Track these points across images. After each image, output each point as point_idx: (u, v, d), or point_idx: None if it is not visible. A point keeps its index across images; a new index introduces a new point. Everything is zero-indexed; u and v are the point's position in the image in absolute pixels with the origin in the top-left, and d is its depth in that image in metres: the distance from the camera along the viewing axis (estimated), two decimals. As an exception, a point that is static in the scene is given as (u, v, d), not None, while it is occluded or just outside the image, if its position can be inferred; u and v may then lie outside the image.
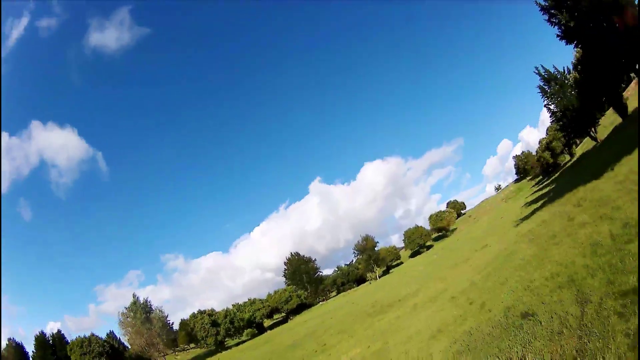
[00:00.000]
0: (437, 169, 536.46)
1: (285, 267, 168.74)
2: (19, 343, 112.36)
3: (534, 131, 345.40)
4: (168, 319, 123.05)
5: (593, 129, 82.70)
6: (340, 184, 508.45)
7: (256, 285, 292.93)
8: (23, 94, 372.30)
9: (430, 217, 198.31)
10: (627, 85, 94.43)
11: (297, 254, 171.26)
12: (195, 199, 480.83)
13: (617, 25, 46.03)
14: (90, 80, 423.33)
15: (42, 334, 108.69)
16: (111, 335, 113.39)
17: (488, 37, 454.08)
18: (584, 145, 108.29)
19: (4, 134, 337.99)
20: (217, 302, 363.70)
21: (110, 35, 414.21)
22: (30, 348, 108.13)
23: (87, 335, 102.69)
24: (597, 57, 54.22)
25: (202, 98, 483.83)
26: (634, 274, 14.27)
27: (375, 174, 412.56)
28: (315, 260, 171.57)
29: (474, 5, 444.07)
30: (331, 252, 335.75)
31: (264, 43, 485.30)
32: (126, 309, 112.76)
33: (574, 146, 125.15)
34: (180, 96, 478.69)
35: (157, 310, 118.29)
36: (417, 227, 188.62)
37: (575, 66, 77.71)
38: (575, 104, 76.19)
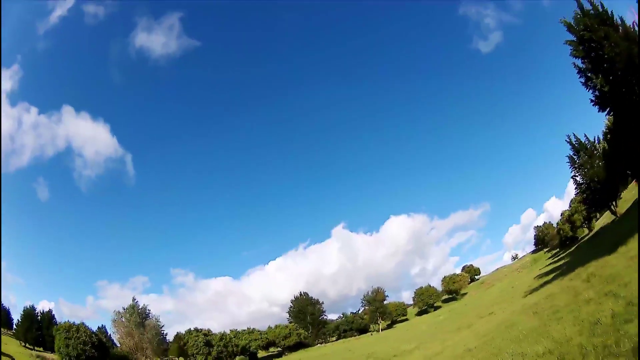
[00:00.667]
0: (460, 231, 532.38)
1: (292, 304, 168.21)
2: (6, 308, 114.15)
3: (558, 202, 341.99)
4: (163, 329, 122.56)
5: (614, 203, 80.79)
6: (363, 233, 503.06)
7: (261, 317, 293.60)
8: (58, 75, 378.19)
9: (444, 278, 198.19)
10: None
11: (306, 294, 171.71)
12: (218, 221, 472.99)
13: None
14: (130, 80, 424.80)
15: (32, 307, 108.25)
16: (102, 329, 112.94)
17: (523, 103, 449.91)
18: (603, 219, 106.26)
19: (34, 109, 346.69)
20: (218, 324, 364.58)
21: (157, 39, 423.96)
22: (16, 317, 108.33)
23: (76, 323, 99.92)
24: (627, 125, 51.72)
25: (240, 118, 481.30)
26: (626, 356, 13.01)
27: (399, 228, 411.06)
28: (322, 303, 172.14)
29: (508, 69, 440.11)
30: (342, 298, 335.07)
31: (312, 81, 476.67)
32: (124, 309, 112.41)
33: (593, 220, 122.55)
34: (218, 113, 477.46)
35: (154, 319, 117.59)
36: (428, 287, 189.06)
37: (605, 135, 75.73)
38: (601, 175, 74.14)
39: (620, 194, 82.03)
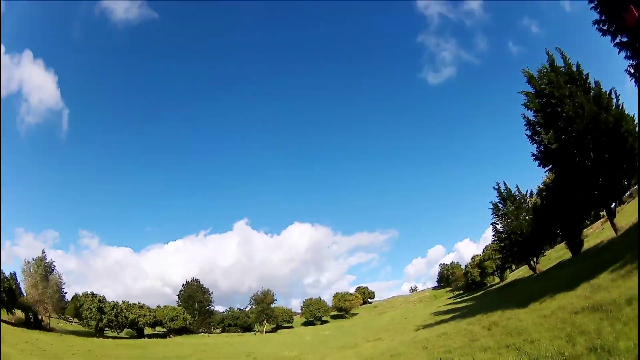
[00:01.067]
0: (362, 252, 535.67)
1: (182, 288, 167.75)
2: None
3: (472, 245, 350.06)
4: (64, 287, 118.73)
5: (535, 259, 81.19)
6: (264, 233, 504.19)
7: (153, 294, 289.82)
8: (26, 19, 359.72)
9: (336, 295, 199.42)
10: (592, 223, 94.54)
11: (197, 280, 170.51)
12: (128, 192, 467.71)
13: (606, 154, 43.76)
14: (87, 38, 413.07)
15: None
16: (12, 276, 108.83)
17: (455, 141, 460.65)
18: (519, 272, 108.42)
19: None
20: (113, 293, 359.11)
21: (122, 2, 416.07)
22: None
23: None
24: (570, 188, 51.83)
25: (168, 97, 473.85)
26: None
27: (301, 235, 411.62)
28: (212, 293, 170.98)
29: (451, 105, 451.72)
30: (232, 292, 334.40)
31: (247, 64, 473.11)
32: (33, 260, 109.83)
33: (508, 270, 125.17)
34: (160, 88, 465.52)
35: (57, 275, 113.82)
36: (318, 300, 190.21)
37: (540, 191, 76.71)
38: (526, 229, 74.89)
39: (544, 252, 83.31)
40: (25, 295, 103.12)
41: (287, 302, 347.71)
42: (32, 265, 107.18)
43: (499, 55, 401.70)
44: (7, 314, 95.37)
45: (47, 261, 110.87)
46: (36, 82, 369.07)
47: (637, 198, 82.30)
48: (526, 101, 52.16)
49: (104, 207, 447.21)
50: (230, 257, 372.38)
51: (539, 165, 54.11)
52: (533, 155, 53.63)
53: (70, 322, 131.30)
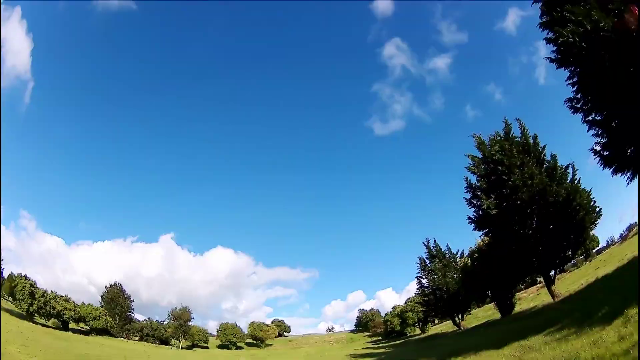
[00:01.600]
0: (281, 286, 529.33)
1: (106, 291, 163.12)
2: None
3: (394, 295, 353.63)
4: (2, 264, 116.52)
5: (460, 315, 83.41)
6: (188, 251, 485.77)
7: (79, 290, 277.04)
8: None
9: (252, 323, 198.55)
10: (527, 288, 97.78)
11: (120, 285, 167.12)
12: (71, 181, 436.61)
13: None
14: (72, 13, 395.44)
15: None
16: None
17: (388, 190, 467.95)
18: (441, 327, 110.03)
19: None
20: (43, 281, 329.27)
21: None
22: None
23: None
24: (505, 253, 53.64)
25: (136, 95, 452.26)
26: None
27: (222, 260, 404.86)
28: (133, 301, 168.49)
29: (390, 158, 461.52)
30: (152, 304, 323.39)
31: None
32: None
33: (430, 323, 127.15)
34: (121, 84, 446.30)
35: None
36: (234, 326, 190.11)
37: (471, 253, 78.94)
38: (452, 287, 77.26)
39: (471, 310, 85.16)
40: None
41: (204, 323, 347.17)
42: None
43: (453, 116, 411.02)
44: None
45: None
46: (15, 45, 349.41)
47: (581, 268, 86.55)
48: (471, 165, 54.16)
49: (45, 191, 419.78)
50: (154, 268, 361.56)
51: (474, 228, 55.86)
52: (469, 218, 55.72)
53: (5, 299, 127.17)
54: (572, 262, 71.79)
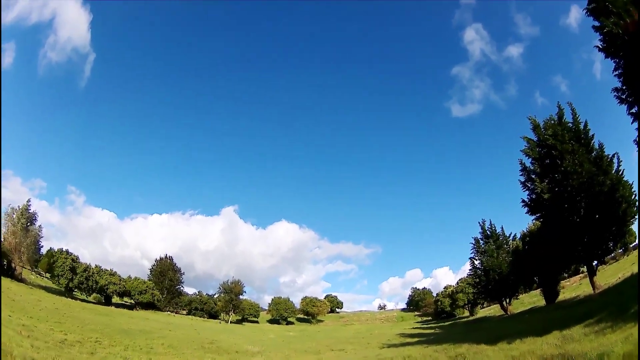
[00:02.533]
0: (342, 261, 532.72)
1: (155, 264, 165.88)
2: None
3: (450, 275, 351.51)
4: (41, 240, 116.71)
5: (508, 300, 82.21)
6: (251, 224, 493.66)
7: (130, 264, 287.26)
8: None
9: (305, 299, 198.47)
10: (570, 277, 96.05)
11: (171, 258, 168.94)
12: (126, 155, 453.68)
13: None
14: None
15: None
16: None
17: (456, 172, 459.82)
18: (489, 310, 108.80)
19: None
20: (90, 255, 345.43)
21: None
22: None
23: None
24: (555, 239, 52.51)
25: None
26: None
27: (286, 234, 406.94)
28: (183, 274, 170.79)
29: (466, 138, 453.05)
30: (207, 276, 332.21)
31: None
32: (18, 207, 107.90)
33: (479, 306, 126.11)
34: (188, 61, 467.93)
35: (37, 227, 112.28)
36: (287, 300, 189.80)
37: (523, 236, 77.56)
38: (504, 270, 75.78)
39: (518, 295, 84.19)
40: (2, 241, 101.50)
41: (260, 296, 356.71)
42: (17, 212, 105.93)
43: (524, 103, 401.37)
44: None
45: (30, 211, 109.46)
46: (70, 15, 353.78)
47: (619, 261, 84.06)
48: (526, 147, 52.74)
49: (97, 166, 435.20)
50: (213, 241, 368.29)
51: (527, 212, 54.42)
52: (523, 201, 54.20)
53: (42, 276, 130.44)
54: (612, 255, 69.65)
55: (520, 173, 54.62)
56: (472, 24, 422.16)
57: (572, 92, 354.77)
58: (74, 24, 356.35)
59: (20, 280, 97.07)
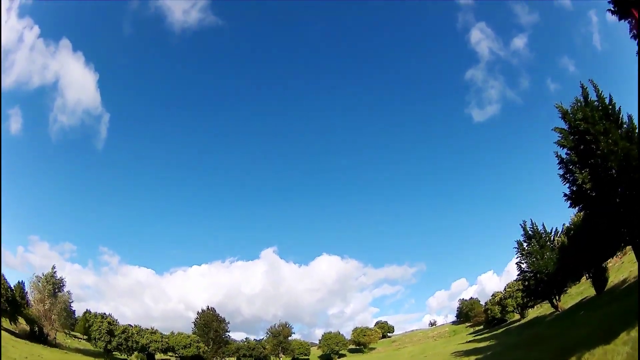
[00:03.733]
0: (388, 284, 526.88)
1: (198, 316, 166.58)
2: None
3: (495, 278, 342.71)
4: (72, 305, 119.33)
5: (557, 297, 79.41)
6: (293, 262, 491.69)
7: (175, 317, 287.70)
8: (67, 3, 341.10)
9: (355, 330, 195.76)
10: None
11: (213, 309, 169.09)
12: (157, 214, 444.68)
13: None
14: (136, 36, 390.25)
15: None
16: (20, 286, 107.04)
17: (486, 177, 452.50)
18: (539, 310, 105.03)
19: (35, 29, 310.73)
20: (131, 313, 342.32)
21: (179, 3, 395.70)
22: None
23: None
24: (598, 225, 49.43)
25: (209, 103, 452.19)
26: None
27: (329, 267, 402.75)
28: (228, 323, 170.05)
29: (489, 143, 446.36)
30: (255, 319, 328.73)
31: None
32: (43, 275, 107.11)
33: (528, 308, 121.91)
34: (209, 108, 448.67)
35: (66, 293, 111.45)
36: (337, 334, 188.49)
37: (567, 230, 74.24)
38: (551, 268, 72.80)
39: (566, 289, 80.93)
40: (31, 307, 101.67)
41: (311, 331, 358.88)
42: (42, 280, 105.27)
43: (539, 94, 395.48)
44: (11, 323, 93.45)
45: (56, 277, 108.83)
46: (74, 77, 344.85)
47: None
48: (560, 138, 49.82)
49: (127, 225, 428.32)
50: (256, 284, 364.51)
51: (570, 205, 51.74)
52: (565, 195, 51.30)
53: (79, 339, 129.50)
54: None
55: (559, 166, 51.90)
56: (476, 24, 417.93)
57: (579, 71, 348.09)
58: (81, 85, 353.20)
59: (54, 345, 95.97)
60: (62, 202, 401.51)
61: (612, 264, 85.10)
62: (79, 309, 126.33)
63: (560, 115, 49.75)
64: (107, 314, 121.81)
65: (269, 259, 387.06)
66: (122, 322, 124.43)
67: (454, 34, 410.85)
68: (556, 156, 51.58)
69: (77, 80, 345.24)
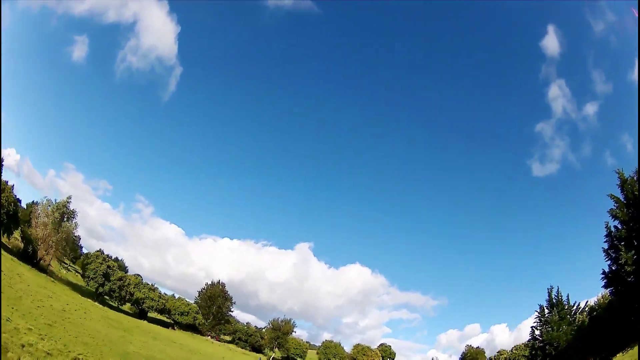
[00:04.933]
0: (407, 310, 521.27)
1: (205, 287, 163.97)
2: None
3: (506, 332, 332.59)
4: (80, 241, 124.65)
5: None
6: (324, 263, 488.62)
7: (193, 282, 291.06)
8: None
9: (356, 346, 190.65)
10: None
11: (223, 285, 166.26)
12: (204, 175, 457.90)
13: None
14: (232, 4, 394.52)
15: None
16: (32, 205, 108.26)
17: (527, 233, 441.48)
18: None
19: None
20: (149, 265, 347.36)
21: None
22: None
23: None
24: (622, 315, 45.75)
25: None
26: None
27: (358, 277, 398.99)
28: (234, 303, 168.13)
29: (541, 198, 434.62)
30: (269, 307, 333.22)
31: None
32: (55, 200, 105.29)
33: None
34: (280, 89, 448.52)
35: (73, 224, 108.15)
36: (337, 345, 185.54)
37: (591, 310, 68.44)
38: (562, 344, 67.83)
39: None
40: (32, 227, 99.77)
41: (319, 333, 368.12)
42: (53, 205, 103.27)
43: (596, 163, 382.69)
44: (4, 237, 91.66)
45: (69, 208, 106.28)
46: (154, 22, 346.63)
47: None
48: (614, 207, 45.37)
49: (172, 182, 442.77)
50: (282, 274, 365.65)
51: (605, 285, 48.55)
52: (603, 273, 47.20)
53: (78, 273, 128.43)
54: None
55: (605, 239, 47.35)
56: (557, 80, 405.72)
57: (635, 151, 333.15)
58: (160, 33, 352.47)
59: (44, 270, 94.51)
60: (109, 141, 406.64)
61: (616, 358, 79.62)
62: (93, 246, 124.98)
63: (618, 184, 46.32)
64: (114, 257, 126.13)
65: (303, 253, 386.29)
66: (139, 272, 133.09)
67: (535, 84, 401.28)
68: (606, 227, 47.50)
69: (157, 27, 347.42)
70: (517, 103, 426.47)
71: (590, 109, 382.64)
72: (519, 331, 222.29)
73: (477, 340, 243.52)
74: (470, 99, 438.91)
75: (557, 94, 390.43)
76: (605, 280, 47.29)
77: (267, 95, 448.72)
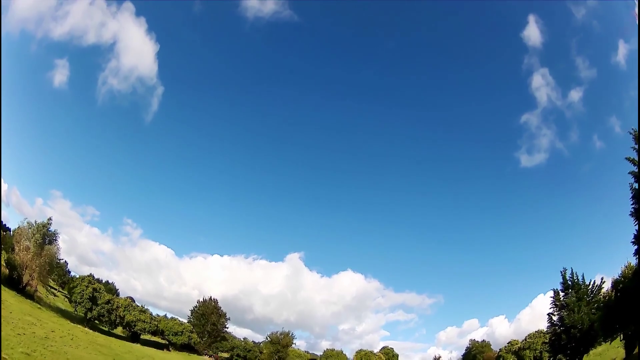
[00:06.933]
0: (403, 311, 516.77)
1: (197, 305, 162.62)
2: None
3: (505, 323, 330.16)
4: (61, 260, 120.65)
5: (580, 356, 72.35)
6: (316, 272, 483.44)
7: (187, 301, 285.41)
8: None
9: (359, 352, 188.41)
10: None
11: (215, 301, 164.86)
12: (191, 195, 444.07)
13: None
14: (210, 18, 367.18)
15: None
16: (7, 232, 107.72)
17: (526, 221, 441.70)
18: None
19: None
20: (142, 288, 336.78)
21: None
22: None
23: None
24: None
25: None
26: None
27: (351, 283, 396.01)
28: (229, 319, 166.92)
29: (532, 189, 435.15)
30: (265, 320, 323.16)
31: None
32: (35, 222, 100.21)
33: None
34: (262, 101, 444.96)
35: (54, 247, 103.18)
36: (339, 353, 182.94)
37: (616, 284, 64.67)
38: (585, 324, 66.13)
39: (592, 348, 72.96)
40: (15, 253, 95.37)
41: (317, 342, 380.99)
42: (33, 227, 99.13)
43: (584, 149, 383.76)
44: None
45: (50, 230, 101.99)
46: (133, 42, 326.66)
47: None
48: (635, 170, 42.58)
49: (157, 203, 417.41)
50: (275, 286, 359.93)
51: (636, 252, 45.45)
52: (635, 237, 44.35)
53: (66, 298, 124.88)
54: None
55: (631, 202, 45.14)
56: (540, 69, 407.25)
57: (624, 132, 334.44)
58: (139, 52, 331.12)
59: (31, 297, 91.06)
60: (94, 166, 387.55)
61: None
62: (84, 271, 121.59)
63: (633, 146, 44.40)
64: (97, 278, 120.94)
65: (294, 264, 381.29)
66: (132, 295, 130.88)
67: (518, 75, 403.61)
68: (631, 189, 44.91)
69: (136, 47, 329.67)
70: (500, 96, 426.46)
71: (575, 95, 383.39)
72: (518, 321, 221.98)
73: (477, 335, 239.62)
74: (453, 95, 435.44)
75: (541, 83, 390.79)
76: (636, 246, 43.97)
77: (251, 108, 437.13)
